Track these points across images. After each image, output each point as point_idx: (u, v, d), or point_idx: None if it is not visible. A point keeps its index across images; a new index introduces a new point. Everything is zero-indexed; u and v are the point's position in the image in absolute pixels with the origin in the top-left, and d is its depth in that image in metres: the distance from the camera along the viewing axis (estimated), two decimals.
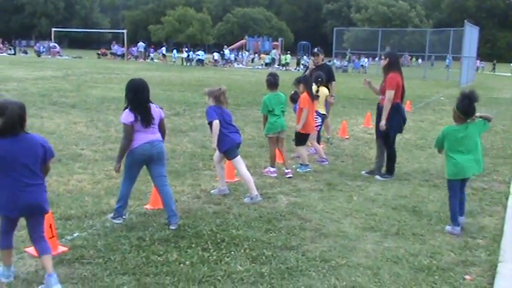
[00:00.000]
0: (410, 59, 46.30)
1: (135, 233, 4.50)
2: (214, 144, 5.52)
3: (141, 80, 4.62)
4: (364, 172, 7.01)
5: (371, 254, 4.27)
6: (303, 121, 6.86)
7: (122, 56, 44.19)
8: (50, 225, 3.95)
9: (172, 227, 4.63)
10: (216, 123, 5.42)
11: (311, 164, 7.37)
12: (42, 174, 3.47)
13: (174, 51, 43.20)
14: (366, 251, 4.31)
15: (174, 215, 4.69)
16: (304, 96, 6.93)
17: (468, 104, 4.75)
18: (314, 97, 7.10)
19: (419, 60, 39.81)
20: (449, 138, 4.83)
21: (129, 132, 4.48)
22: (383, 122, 6.54)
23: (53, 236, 3.99)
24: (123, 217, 4.78)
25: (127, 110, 4.49)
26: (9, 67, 25.94)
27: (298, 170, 6.96)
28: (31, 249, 4.00)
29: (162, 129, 4.72)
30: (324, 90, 8.03)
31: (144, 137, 4.52)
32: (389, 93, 6.50)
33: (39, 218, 3.51)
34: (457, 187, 4.86)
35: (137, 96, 4.50)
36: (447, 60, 36.95)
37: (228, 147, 5.57)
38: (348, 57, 42.33)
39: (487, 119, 4.92)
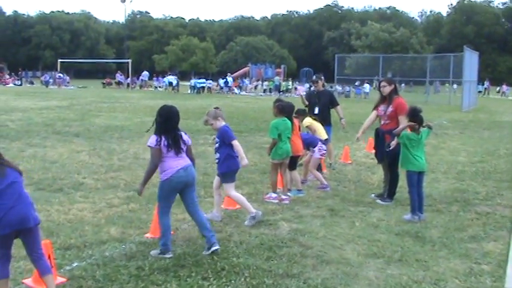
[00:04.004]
0: (443, 85, 41.84)
1: (134, 262, 4.45)
2: (246, 160, 5.56)
3: (173, 107, 4.71)
4: (373, 195, 7.02)
5: (374, 281, 4.20)
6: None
7: (127, 84, 44.77)
8: (49, 255, 3.91)
9: (214, 247, 4.61)
10: (237, 142, 5.54)
11: (312, 190, 7.34)
12: None
13: (165, 78, 43.39)
14: (368, 279, 4.24)
15: (213, 235, 4.71)
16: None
17: (420, 116, 6.10)
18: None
19: (455, 86, 36.26)
20: (412, 141, 6.06)
21: (155, 155, 4.52)
22: (394, 142, 6.55)
23: (52, 267, 3.94)
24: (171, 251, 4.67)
25: (153, 135, 4.58)
26: (15, 97, 26.25)
27: (288, 193, 6.90)
28: (29, 281, 3.96)
29: (189, 156, 4.77)
30: (308, 120, 8.03)
31: (177, 164, 4.58)
32: (405, 119, 6.57)
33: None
34: (415, 180, 6.03)
35: (166, 123, 4.58)
36: (437, 84, 37.57)
37: (233, 169, 5.62)
38: (374, 84, 40.49)
39: (430, 127, 6.23)
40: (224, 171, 5.64)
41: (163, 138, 4.52)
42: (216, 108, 5.64)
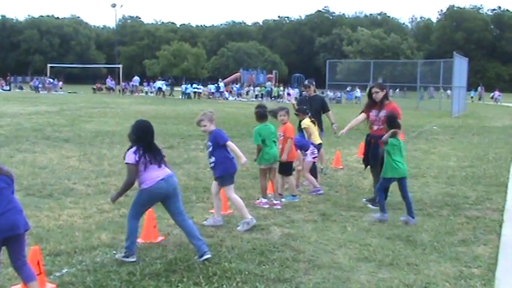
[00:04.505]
0: (437, 90, 39.55)
1: (125, 267, 4.42)
2: (244, 158, 5.66)
3: (146, 121, 4.70)
4: (364, 200, 7.05)
5: (365, 285, 4.20)
6: (287, 151, 6.84)
7: (119, 90, 44.67)
8: (38, 261, 3.88)
9: (206, 256, 4.56)
10: (231, 143, 5.59)
11: (304, 195, 7.35)
12: None
13: (155, 83, 43.21)
14: (360, 282, 4.25)
15: (203, 243, 4.65)
16: (289, 125, 7.00)
17: (398, 122, 6.23)
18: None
19: (448, 92, 35.05)
20: (396, 148, 6.13)
21: (133, 171, 4.47)
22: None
23: (41, 273, 3.90)
24: (136, 254, 4.61)
25: (130, 151, 4.50)
26: (3, 103, 26.03)
27: (283, 199, 6.91)
28: (18, 287, 3.91)
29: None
30: (306, 122, 8.05)
31: (157, 175, 4.51)
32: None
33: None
34: (389, 184, 6.26)
35: (143, 138, 4.53)
36: (431, 90, 37.91)
37: (231, 172, 5.63)
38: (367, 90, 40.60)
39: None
40: (221, 174, 5.63)
41: (142, 155, 4.45)
42: (210, 112, 5.66)
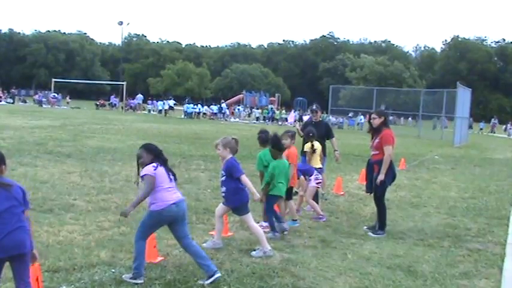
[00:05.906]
0: (450, 120, 36.69)
1: (124, 287, 4.38)
2: (257, 195, 5.58)
3: (148, 143, 4.82)
4: (365, 227, 7.01)
5: None
6: (290, 175, 6.84)
7: (121, 107, 44.93)
8: (37, 277, 3.85)
9: (217, 275, 4.53)
10: (245, 177, 5.46)
11: (305, 220, 7.31)
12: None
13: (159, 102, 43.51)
14: None
15: (211, 263, 4.64)
16: (293, 150, 7.00)
17: (279, 143, 6.44)
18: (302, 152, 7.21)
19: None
20: (277, 169, 6.29)
21: (151, 182, 4.46)
22: (381, 176, 6.63)
23: None
24: (144, 276, 4.55)
25: (148, 166, 4.53)
26: (7, 115, 26.11)
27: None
28: None
29: None
30: (317, 144, 8.08)
31: (170, 197, 4.53)
32: (389, 149, 6.71)
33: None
34: (275, 202, 6.46)
35: (158, 155, 4.62)
36: (444, 119, 37.66)
37: (245, 201, 5.57)
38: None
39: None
40: (237, 205, 5.60)
41: (159, 165, 4.51)
42: (234, 139, 5.58)
